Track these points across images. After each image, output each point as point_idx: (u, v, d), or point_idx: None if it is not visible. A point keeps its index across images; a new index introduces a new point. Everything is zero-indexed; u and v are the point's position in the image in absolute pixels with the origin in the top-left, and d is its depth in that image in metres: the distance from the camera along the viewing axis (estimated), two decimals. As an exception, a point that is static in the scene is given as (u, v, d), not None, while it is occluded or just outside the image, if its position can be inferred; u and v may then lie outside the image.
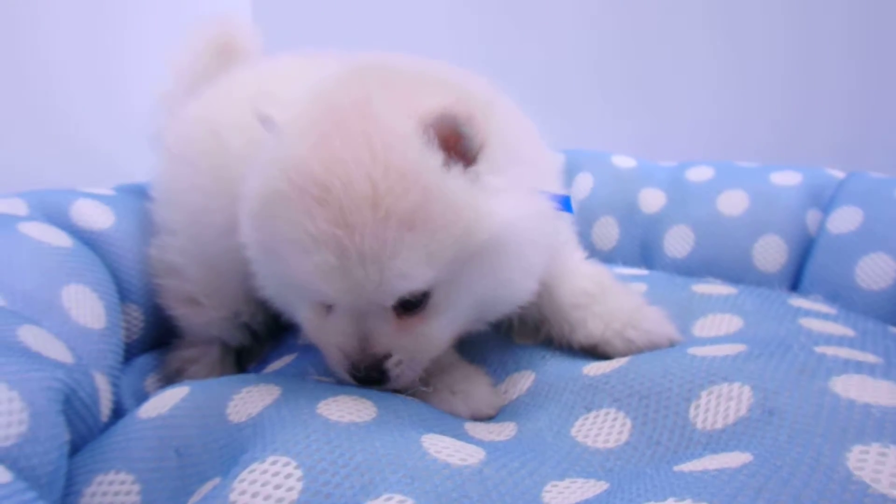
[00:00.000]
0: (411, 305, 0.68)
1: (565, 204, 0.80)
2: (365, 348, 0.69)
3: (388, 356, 0.69)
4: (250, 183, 0.70)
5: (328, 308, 0.70)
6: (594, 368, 0.74)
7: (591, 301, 0.83)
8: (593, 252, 1.34)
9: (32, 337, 0.67)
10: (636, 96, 1.83)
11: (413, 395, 0.74)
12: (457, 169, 0.65)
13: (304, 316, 0.74)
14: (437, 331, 0.71)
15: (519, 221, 0.69)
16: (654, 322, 0.82)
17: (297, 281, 0.67)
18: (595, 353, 0.82)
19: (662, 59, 1.79)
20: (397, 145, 0.63)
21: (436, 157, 0.64)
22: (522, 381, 0.79)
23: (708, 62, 1.76)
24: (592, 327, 0.82)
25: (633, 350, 0.79)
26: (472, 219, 0.65)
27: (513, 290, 0.74)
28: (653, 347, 0.79)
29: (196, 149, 0.98)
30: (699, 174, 1.30)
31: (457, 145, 0.65)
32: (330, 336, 0.71)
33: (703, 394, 0.63)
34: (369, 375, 0.69)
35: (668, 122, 1.82)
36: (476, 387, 0.78)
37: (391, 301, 0.66)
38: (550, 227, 0.77)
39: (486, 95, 0.72)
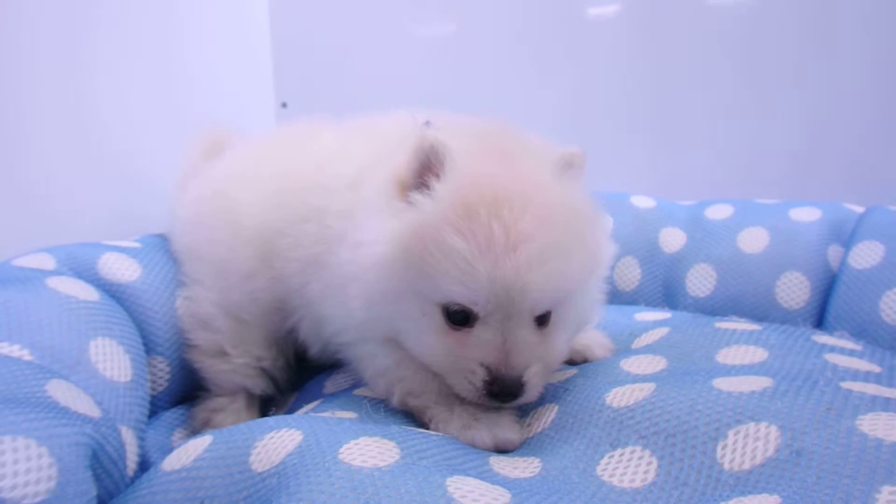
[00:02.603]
0: (544, 319, 0.77)
1: None
2: (510, 360, 0.74)
3: (528, 367, 0.75)
4: (378, 229, 0.78)
5: (459, 327, 0.76)
6: (616, 399, 0.74)
7: None
8: (615, 293, 1.34)
9: (61, 392, 0.67)
10: (653, 133, 1.84)
11: (435, 428, 0.77)
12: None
13: (426, 340, 0.78)
14: (562, 342, 0.81)
15: (610, 253, 0.87)
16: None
17: (456, 294, 0.73)
18: None
19: (679, 96, 1.80)
20: (555, 179, 0.78)
21: (576, 186, 0.80)
22: (547, 415, 0.79)
23: (724, 96, 1.76)
24: None
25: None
26: (596, 245, 0.81)
27: (591, 313, 0.89)
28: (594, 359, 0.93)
29: (208, 213, 1.07)
30: (718, 212, 1.30)
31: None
32: (469, 350, 0.75)
33: (731, 433, 0.62)
34: (510, 389, 0.74)
35: (685, 157, 1.82)
36: (499, 415, 0.78)
37: (547, 305, 0.76)
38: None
39: None
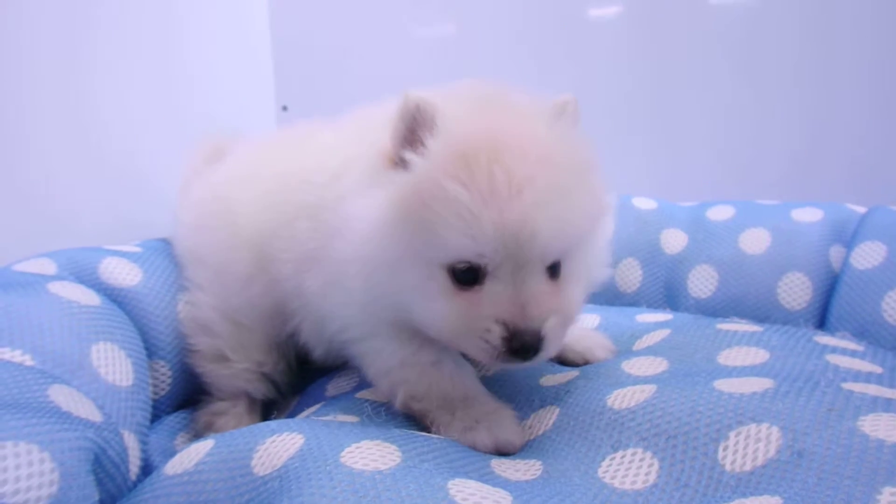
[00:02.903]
0: (555, 270, 0.75)
1: None
2: (527, 312, 0.70)
3: (547, 319, 0.71)
4: (371, 201, 0.76)
5: (468, 287, 0.73)
6: (617, 401, 0.74)
7: None
8: (617, 294, 1.34)
9: (63, 396, 0.68)
10: (653, 134, 1.83)
11: (437, 431, 0.76)
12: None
13: (434, 307, 0.75)
14: (577, 295, 0.78)
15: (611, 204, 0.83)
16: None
17: (464, 249, 0.70)
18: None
19: (679, 97, 1.80)
20: (553, 126, 0.76)
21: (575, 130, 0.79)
22: (548, 417, 0.79)
23: (725, 96, 1.76)
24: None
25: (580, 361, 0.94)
26: (601, 189, 0.77)
27: (599, 271, 0.85)
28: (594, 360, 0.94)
29: (209, 217, 1.06)
30: (720, 213, 1.30)
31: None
32: (482, 308, 0.71)
33: (732, 434, 0.62)
34: (531, 344, 0.70)
35: (685, 158, 1.82)
36: (500, 418, 0.78)
37: (558, 253, 0.74)
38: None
39: None
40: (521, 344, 0.70)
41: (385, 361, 0.83)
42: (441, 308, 0.74)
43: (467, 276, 0.72)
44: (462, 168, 0.69)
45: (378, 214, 0.74)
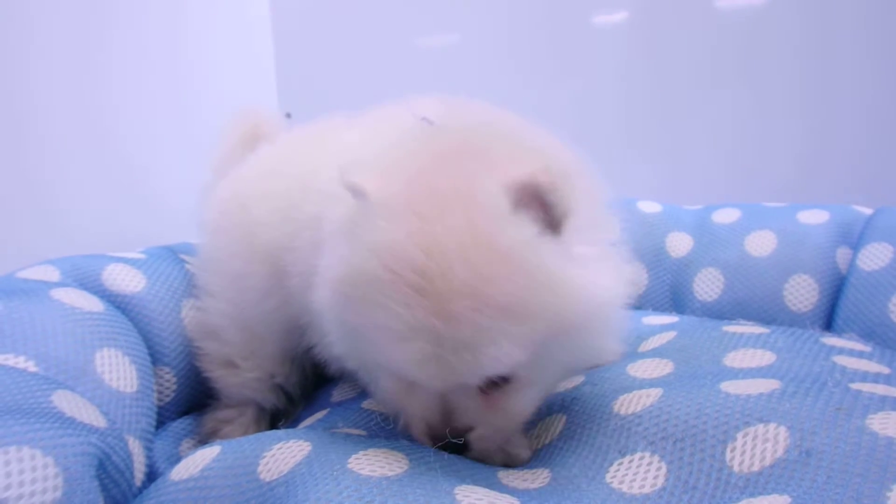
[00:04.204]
0: (497, 382, 0.66)
1: None
2: (448, 422, 0.67)
3: (471, 429, 0.68)
4: (332, 259, 0.68)
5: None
6: (623, 406, 0.73)
7: None
8: (622, 298, 1.33)
9: (66, 402, 0.67)
10: (658, 139, 1.84)
11: (444, 447, 0.73)
12: (551, 243, 0.63)
13: (384, 386, 0.73)
14: (521, 405, 0.70)
15: (608, 292, 0.68)
16: None
17: (385, 363, 0.66)
18: None
19: (684, 101, 1.80)
20: (497, 225, 0.61)
21: (532, 232, 0.62)
22: (554, 425, 0.78)
23: (729, 102, 1.77)
24: None
25: None
26: (569, 298, 0.63)
27: (598, 353, 0.76)
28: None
29: (229, 221, 1.03)
30: (725, 216, 1.30)
31: (545, 215, 0.63)
32: (413, 407, 0.69)
33: (739, 435, 0.62)
34: (455, 446, 0.68)
35: (690, 164, 1.82)
36: None
37: (480, 382, 0.65)
38: (631, 287, 0.76)
39: (572, 159, 0.73)
40: (445, 444, 0.68)
41: (381, 392, 0.79)
42: (386, 386, 0.72)
43: None
44: (383, 294, 0.60)
45: (327, 285, 0.68)
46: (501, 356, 0.61)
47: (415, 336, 0.60)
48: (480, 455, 0.70)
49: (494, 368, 0.62)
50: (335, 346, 0.75)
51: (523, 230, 0.61)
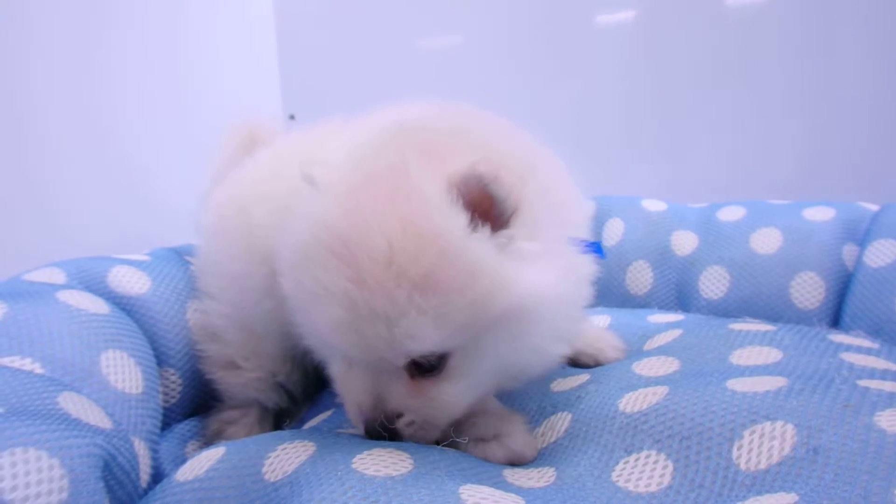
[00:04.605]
0: (426, 368, 0.67)
1: (596, 249, 0.80)
2: (377, 405, 0.69)
3: (399, 416, 0.69)
4: (285, 237, 0.72)
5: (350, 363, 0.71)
6: (629, 404, 0.73)
7: None
8: (628, 297, 1.33)
9: (72, 403, 0.68)
10: (661, 138, 1.84)
11: (449, 445, 0.73)
12: (483, 233, 0.64)
13: (333, 368, 0.75)
14: (452, 396, 0.69)
15: (549, 289, 0.67)
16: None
17: (318, 333, 0.68)
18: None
19: (687, 100, 1.80)
20: (422, 206, 0.63)
21: (460, 220, 0.63)
22: (560, 424, 0.78)
23: (731, 101, 1.76)
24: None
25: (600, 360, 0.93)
26: (491, 285, 0.63)
27: (541, 355, 0.73)
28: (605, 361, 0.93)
29: (228, 224, 1.03)
30: (730, 214, 1.29)
31: (488, 208, 0.64)
32: (349, 391, 0.71)
33: (746, 433, 0.61)
34: (378, 432, 0.69)
35: (694, 163, 1.81)
36: (513, 430, 0.76)
37: (401, 360, 0.66)
38: (585, 290, 0.78)
39: (528, 156, 0.73)
40: (374, 431, 0.69)
41: (333, 379, 0.79)
42: (336, 371, 0.74)
43: None
44: (309, 260, 0.65)
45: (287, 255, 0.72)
46: (415, 332, 0.62)
47: (331, 300, 0.63)
48: (413, 440, 0.70)
49: (410, 346, 0.63)
50: (302, 333, 0.76)
51: (452, 217, 0.63)
